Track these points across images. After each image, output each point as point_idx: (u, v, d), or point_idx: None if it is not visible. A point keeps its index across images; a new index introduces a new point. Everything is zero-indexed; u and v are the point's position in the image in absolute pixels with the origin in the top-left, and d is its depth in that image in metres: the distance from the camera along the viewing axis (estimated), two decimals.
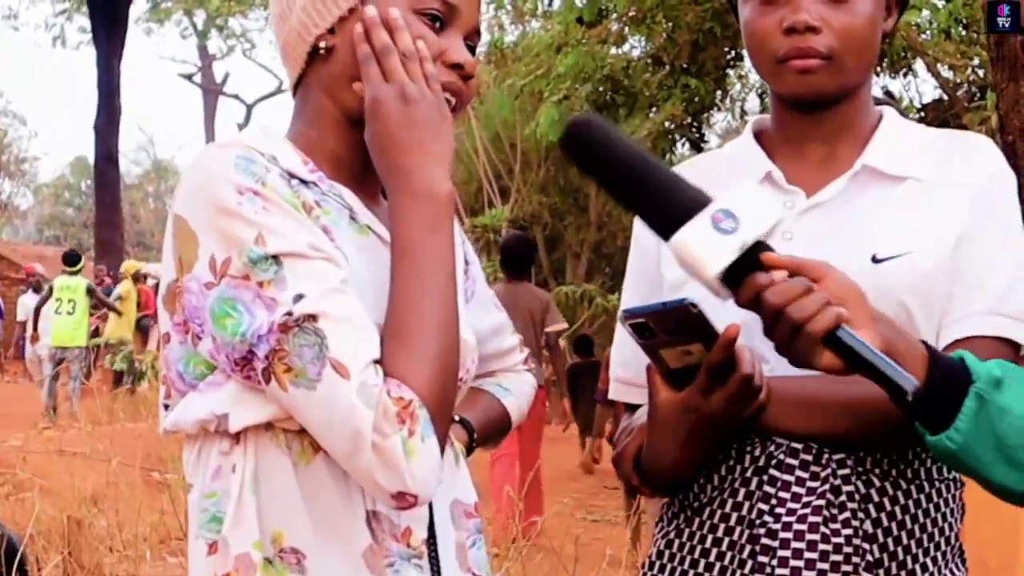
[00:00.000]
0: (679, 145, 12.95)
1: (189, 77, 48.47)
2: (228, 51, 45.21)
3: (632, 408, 2.03)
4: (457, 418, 1.95)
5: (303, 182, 1.68)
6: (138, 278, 20.11)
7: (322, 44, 1.72)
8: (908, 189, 1.89)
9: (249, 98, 44.95)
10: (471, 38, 1.78)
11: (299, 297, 1.53)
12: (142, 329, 21.31)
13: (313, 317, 1.53)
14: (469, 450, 1.98)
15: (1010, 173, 1.92)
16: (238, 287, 1.55)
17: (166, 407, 1.70)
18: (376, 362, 1.54)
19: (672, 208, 1.62)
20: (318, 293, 1.54)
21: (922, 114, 12.26)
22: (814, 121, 1.94)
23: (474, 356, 1.82)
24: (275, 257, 1.55)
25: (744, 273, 1.60)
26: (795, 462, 1.80)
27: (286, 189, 1.61)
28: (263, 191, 1.58)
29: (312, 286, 1.54)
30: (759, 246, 1.60)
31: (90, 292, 18.07)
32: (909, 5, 1.98)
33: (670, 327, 1.65)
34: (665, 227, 1.63)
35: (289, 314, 1.53)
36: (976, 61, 10.62)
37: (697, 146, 13.06)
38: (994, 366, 1.67)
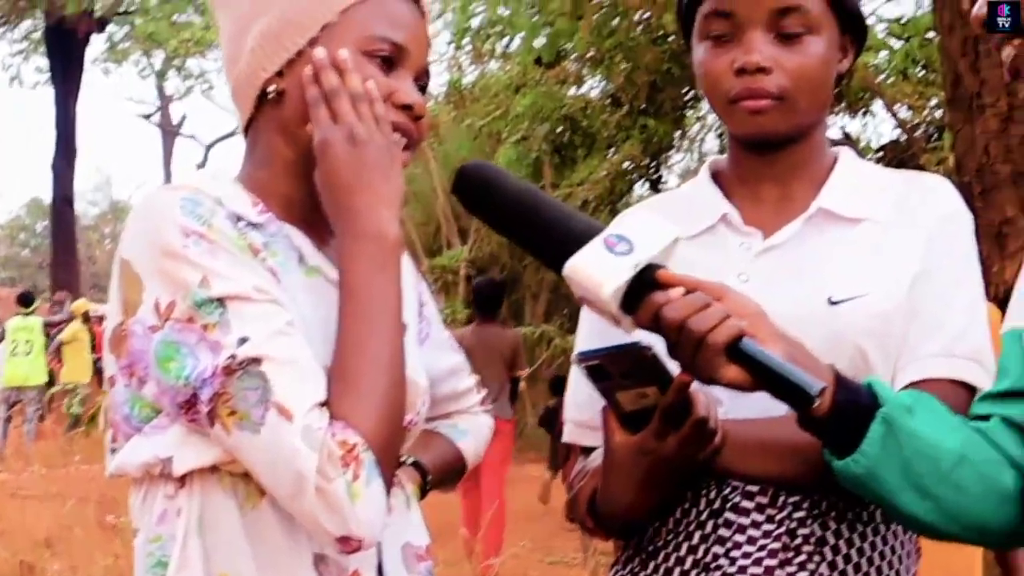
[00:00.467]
0: (637, 185, 13.01)
1: (147, 117, 48.40)
2: (186, 92, 45.21)
3: (587, 450, 2.02)
4: (411, 460, 1.95)
5: (251, 224, 1.68)
6: (88, 318, 19.91)
7: (271, 87, 1.72)
8: (864, 230, 1.89)
9: (207, 139, 45.06)
10: (420, 78, 1.78)
11: (243, 340, 1.53)
12: (99, 371, 21.14)
13: (257, 360, 1.53)
14: (423, 492, 1.97)
15: (967, 214, 1.93)
16: (182, 330, 1.55)
17: (113, 451, 1.69)
18: (322, 404, 1.54)
19: (564, 238, 1.63)
20: (263, 336, 1.54)
21: (880, 154, 12.35)
22: (769, 162, 1.94)
23: (425, 398, 1.83)
24: (220, 300, 1.55)
25: (642, 296, 1.60)
26: (750, 505, 1.79)
27: (232, 231, 1.61)
28: (209, 234, 1.57)
29: (257, 329, 1.54)
30: (654, 267, 1.61)
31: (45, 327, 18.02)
32: (866, 46, 1.99)
33: (625, 370, 1.64)
34: (558, 257, 1.63)
35: (233, 357, 1.53)
36: (934, 102, 10.74)
37: (655, 186, 13.12)
38: (905, 394, 1.67)
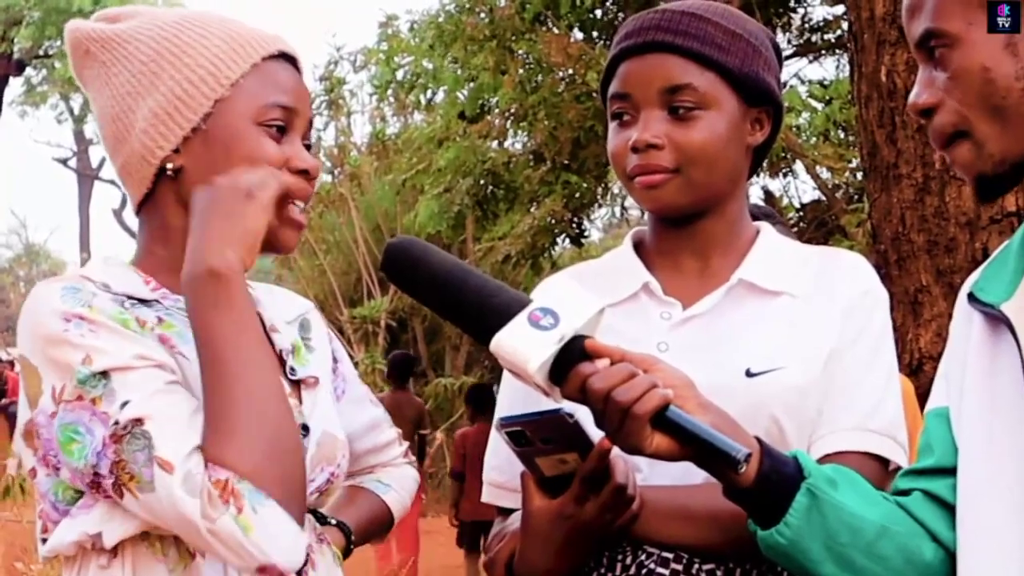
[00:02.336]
0: (559, 240, 13.05)
1: (64, 162, 47.85)
2: None
3: (505, 512, 2.03)
4: (334, 521, 1.96)
5: (142, 301, 1.72)
6: None
7: (169, 165, 1.73)
8: (783, 304, 1.93)
9: None
10: (307, 135, 1.82)
11: (125, 404, 1.57)
12: (9, 415, 20.81)
13: (139, 421, 1.56)
14: (346, 552, 1.98)
15: (883, 291, 1.97)
16: (75, 409, 1.60)
17: (44, 540, 1.71)
18: (199, 448, 1.57)
19: (489, 313, 1.65)
20: (143, 396, 1.58)
21: (801, 214, 12.51)
22: (686, 234, 1.98)
23: (344, 452, 1.86)
24: (104, 373, 1.59)
25: (570, 366, 1.61)
26: (666, 572, 1.81)
27: (115, 308, 1.66)
28: (88, 314, 1.62)
29: (137, 392, 1.58)
30: (579, 339, 1.62)
31: None
32: (787, 108, 2.03)
33: (546, 436, 1.66)
34: (484, 332, 1.65)
35: (117, 423, 1.56)
36: (854, 163, 10.88)
37: (577, 241, 13.16)
38: (829, 468, 1.69)
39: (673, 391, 1.60)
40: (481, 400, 11.18)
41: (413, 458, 2.20)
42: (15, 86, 36.64)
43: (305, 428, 1.78)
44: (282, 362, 1.83)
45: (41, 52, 33.89)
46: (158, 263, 1.77)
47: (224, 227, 1.65)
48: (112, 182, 45.17)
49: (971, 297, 1.67)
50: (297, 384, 1.84)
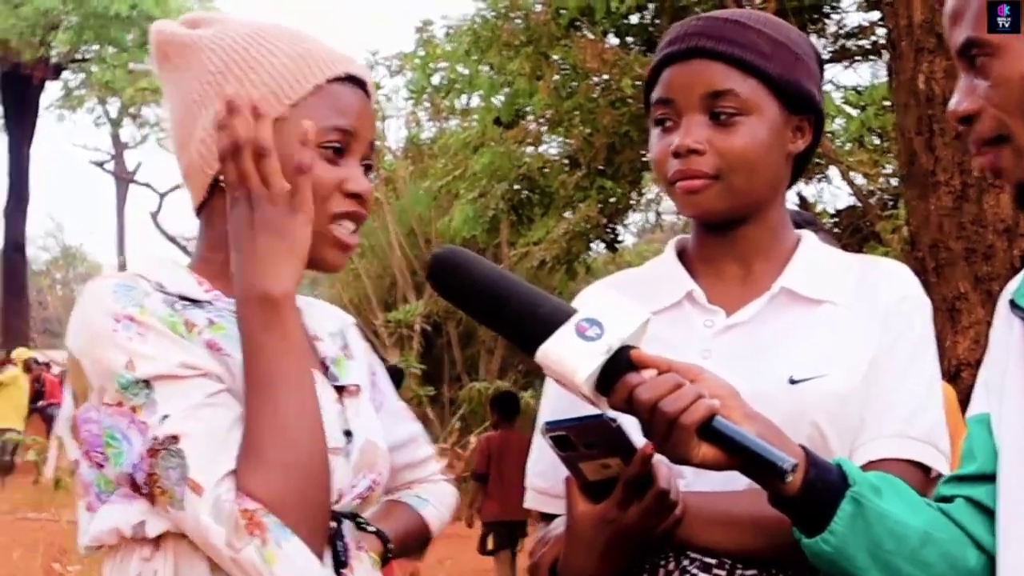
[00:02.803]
0: (594, 245, 13.04)
1: (101, 165, 48.07)
2: (142, 140, 44.83)
3: (548, 517, 2.04)
4: (372, 529, 1.96)
5: (196, 302, 1.74)
6: (30, 368, 19.78)
7: (223, 177, 1.74)
8: (825, 312, 1.94)
9: (162, 187, 44.52)
10: (368, 156, 1.83)
11: (164, 417, 1.60)
12: (46, 417, 20.94)
13: (175, 438, 1.59)
14: (384, 560, 1.98)
15: (924, 298, 1.98)
16: (114, 414, 1.63)
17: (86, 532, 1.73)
18: (232, 472, 1.60)
19: (535, 324, 1.67)
20: (182, 412, 1.60)
21: (836, 219, 12.45)
22: (728, 241, 2.00)
23: (386, 460, 1.88)
24: (146, 381, 1.61)
25: (616, 377, 1.63)
26: None
27: (166, 310, 1.68)
28: (139, 315, 1.64)
29: (177, 406, 1.60)
30: (626, 349, 1.64)
31: None
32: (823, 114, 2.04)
33: (590, 440, 1.67)
34: (531, 343, 1.66)
35: (155, 438, 1.60)
36: (889, 169, 10.84)
37: (612, 246, 13.16)
38: (873, 475, 1.70)
39: (719, 401, 1.62)
40: (507, 407, 11.69)
41: (451, 475, 2.21)
42: (52, 90, 36.89)
43: (348, 434, 1.81)
44: (325, 369, 1.86)
45: (78, 56, 34.12)
46: (213, 268, 1.80)
47: (273, 245, 1.66)
48: (148, 185, 45.40)
49: (1012, 304, 1.68)
50: (340, 391, 1.86)
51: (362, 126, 1.80)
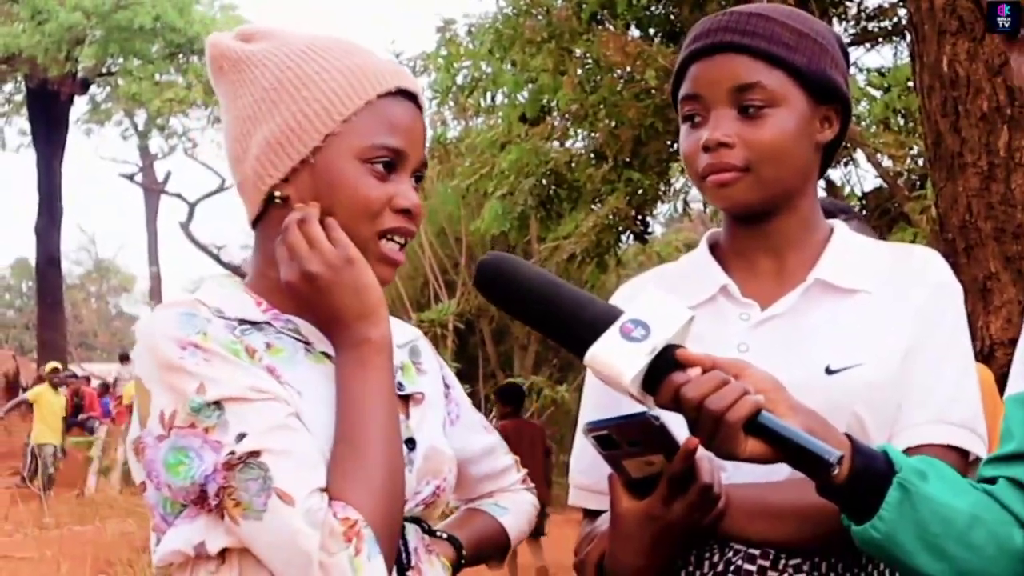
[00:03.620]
0: (624, 237, 13.02)
1: (130, 177, 48.25)
2: (170, 151, 45.01)
3: (592, 514, 2.07)
4: (444, 535, 2.00)
5: (254, 324, 1.79)
6: (55, 382, 19.89)
7: (277, 193, 1.81)
8: (858, 302, 1.96)
9: (191, 196, 44.73)
10: (419, 170, 1.87)
11: (241, 436, 1.65)
12: (87, 430, 21.09)
13: (256, 453, 1.64)
14: (457, 567, 2.01)
15: (956, 285, 2.00)
16: (186, 436, 1.67)
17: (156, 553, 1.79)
18: (322, 490, 1.65)
19: (582, 327, 1.70)
20: (260, 431, 1.65)
21: (863, 202, 12.40)
22: (760, 234, 2.02)
23: (451, 466, 1.93)
24: (217, 403, 1.67)
25: (663, 376, 1.66)
26: (752, 568, 1.84)
27: (228, 337, 1.73)
28: (203, 343, 1.70)
29: (253, 425, 1.66)
30: (670, 348, 1.67)
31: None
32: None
33: (632, 438, 1.70)
34: (578, 346, 1.70)
35: (232, 453, 1.64)
36: (915, 150, 10.77)
37: (642, 238, 13.15)
38: (917, 460, 1.72)
39: (764, 396, 1.64)
40: (512, 397, 12.83)
41: (532, 485, 2.23)
42: (80, 105, 37.10)
43: (411, 442, 1.85)
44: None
45: (104, 70, 34.28)
46: (270, 285, 1.84)
47: (357, 303, 1.77)
48: (179, 195, 45.56)
49: None
50: (405, 400, 1.90)
51: (412, 142, 1.83)
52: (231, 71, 1.85)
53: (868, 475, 1.68)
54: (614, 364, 1.66)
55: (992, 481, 1.77)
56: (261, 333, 1.79)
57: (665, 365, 1.66)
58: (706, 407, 1.62)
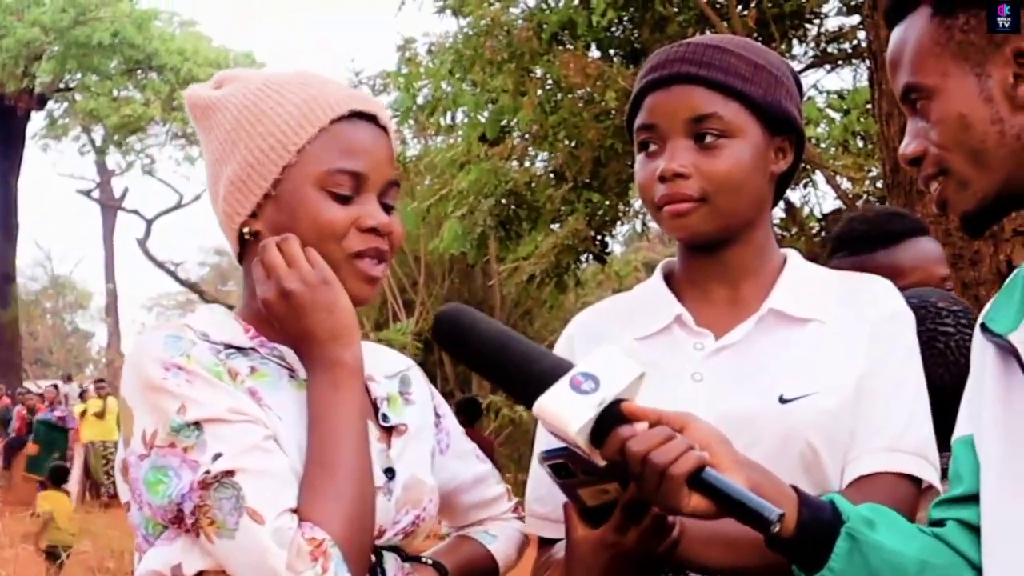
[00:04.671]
0: (583, 258, 13.05)
1: (87, 193, 47.98)
2: (127, 167, 44.81)
3: (547, 542, 2.07)
4: (429, 561, 2.00)
5: (239, 350, 1.82)
6: None
7: (246, 229, 1.85)
8: (812, 330, 1.97)
9: (149, 213, 44.44)
10: (386, 194, 1.87)
11: (217, 456, 1.68)
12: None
13: (230, 472, 1.67)
14: None
15: (908, 313, 2.01)
16: (166, 455, 1.70)
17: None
18: (293, 511, 1.67)
19: (533, 378, 1.71)
20: (235, 451, 1.68)
21: (822, 223, 12.48)
22: (715, 263, 2.03)
23: (432, 497, 1.94)
24: (196, 423, 1.70)
25: (609, 429, 1.66)
26: None
27: (211, 359, 1.76)
28: (187, 365, 1.73)
29: (230, 446, 1.69)
30: (618, 402, 1.67)
31: None
32: (806, 120, 2.07)
33: (587, 467, 1.70)
34: (528, 396, 1.70)
35: (208, 472, 1.67)
36: (874, 172, 10.85)
37: (601, 259, 13.18)
38: (865, 508, 1.73)
39: (709, 450, 1.64)
40: (470, 411, 13.81)
41: (524, 514, 2.20)
42: (37, 120, 36.89)
43: (391, 471, 1.86)
44: (376, 409, 1.92)
45: (62, 85, 34.14)
46: (252, 314, 1.88)
47: (331, 324, 1.78)
48: (136, 212, 45.33)
49: (983, 327, 1.71)
50: (388, 431, 1.91)
51: (373, 162, 1.85)
52: (202, 118, 1.91)
53: (815, 526, 1.68)
54: (561, 415, 1.66)
55: (941, 524, 1.78)
56: (246, 358, 1.82)
57: (612, 418, 1.66)
58: (650, 461, 1.62)
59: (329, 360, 1.78)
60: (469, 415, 13.56)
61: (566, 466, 1.72)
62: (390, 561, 1.87)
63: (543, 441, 2.03)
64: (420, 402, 2.04)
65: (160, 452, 1.70)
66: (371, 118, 1.87)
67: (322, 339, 1.78)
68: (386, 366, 2.01)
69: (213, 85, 1.94)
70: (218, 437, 1.69)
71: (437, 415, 2.08)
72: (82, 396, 22.39)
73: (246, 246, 1.87)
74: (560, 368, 1.70)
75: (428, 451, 2.00)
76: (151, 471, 1.71)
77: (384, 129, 1.89)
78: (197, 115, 1.92)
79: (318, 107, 1.83)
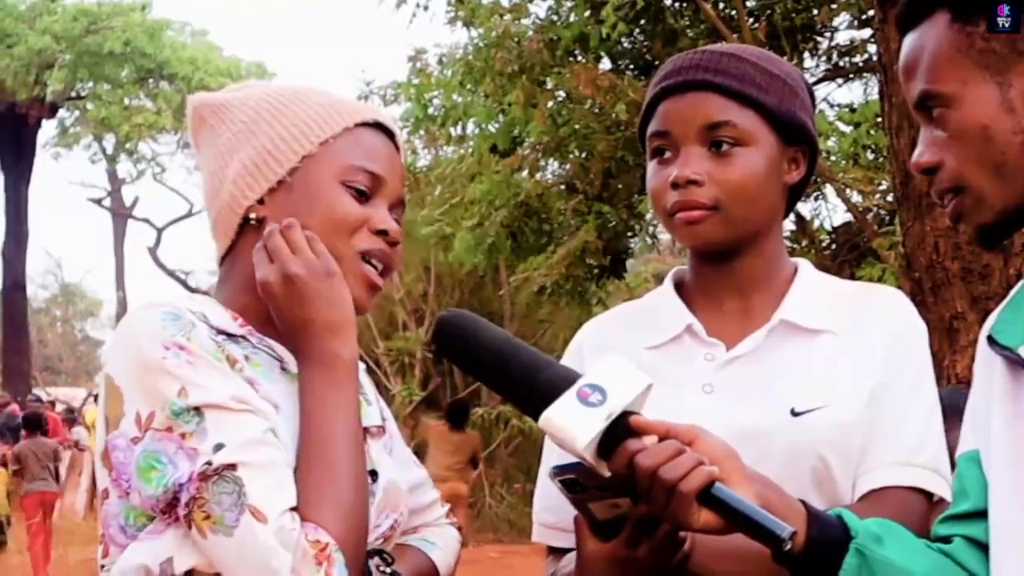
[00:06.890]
0: (596, 271, 13.00)
1: (98, 201, 47.97)
2: (138, 175, 44.79)
3: (556, 551, 2.07)
4: (389, 571, 1.98)
5: (231, 337, 1.77)
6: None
7: (252, 215, 1.82)
8: (823, 342, 1.97)
9: (159, 222, 44.47)
10: (396, 208, 1.87)
11: (219, 447, 1.62)
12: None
13: (232, 466, 1.61)
14: None
15: (921, 325, 2.00)
16: (162, 439, 1.63)
17: (103, 567, 1.74)
18: (293, 509, 1.62)
19: (539, 390, 1.68)
20: (238, 443, 1.62)
21: (833, 236, 12.44)
22: (725, 272, 2.02)
23: (406, 501, 1.92)
24: (197, 409, 1.63)
25: (617, 442, 1.64)
26: None
27: (210, 343, 1.71)
28: (188, 345, 1.67)
29: (232, 436, 1.63)
30: (627, 414, 1.65)
31: None
32: (818, 133, 2.07)
33: (599, 482, 1.69)
34: (534, 408, 1.67)
35: (209, 463, 1.61)
36: (884, 186, 10.81)
37: (619, 273, 13.12)
38: (873, 523, 1.71)
39: (719, 465, 1.62)
40: (458, 415, 14.56)
41: (455, 519, 2.22)
42: (48, 128, 36.94)
43: (374, 474, 1.83)
44: None
45: (73, 94, 34.17)
46: (240, 306, 1.83)
47: (330, 317, 1.75)
48: (147, 220, 45.35)
49: (990, 340, 1.68)
50: (364, 432, 1.87)
51: (389, 173, 1.86)
52: (211, 116, 1.89)
53: (824, 542, 1.66)
54: (568, 428, 1.63)
55: (947, 540, 1.76)
56: (238, 346, 1.78)
57: (620, 432, 1.64)
58: (660, 476, 1.60)
59: (326, 355, 1.74)
60: (457, 418, 14.47)
61: (577, 481, 1.70)
62: (373, 566, 1.84)
63: (552, 453, 2.04)
64: (375, 403, 2.01)
65: (155, 436, 1.63)
66: (390, 135, 1.89)
67: (320, 330, 1.74)
68: None
69: (227, 91, 1.94)
70: (219, 426, 1.63)
71: (383, 418, 2.05)
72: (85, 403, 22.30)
73: (242, 235, 1.84)
74: (566, 379, 1.68)
75: (387, 453, 1.98)
76: (143, 456, 1.64)
77: (398, 149, 1.91)
78: (206, 114, 1.90)
79: (344, 110, 1.85)
